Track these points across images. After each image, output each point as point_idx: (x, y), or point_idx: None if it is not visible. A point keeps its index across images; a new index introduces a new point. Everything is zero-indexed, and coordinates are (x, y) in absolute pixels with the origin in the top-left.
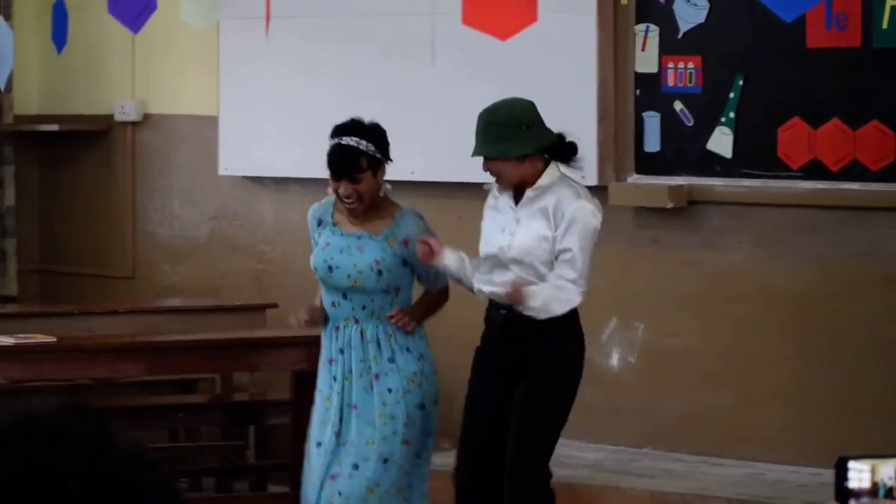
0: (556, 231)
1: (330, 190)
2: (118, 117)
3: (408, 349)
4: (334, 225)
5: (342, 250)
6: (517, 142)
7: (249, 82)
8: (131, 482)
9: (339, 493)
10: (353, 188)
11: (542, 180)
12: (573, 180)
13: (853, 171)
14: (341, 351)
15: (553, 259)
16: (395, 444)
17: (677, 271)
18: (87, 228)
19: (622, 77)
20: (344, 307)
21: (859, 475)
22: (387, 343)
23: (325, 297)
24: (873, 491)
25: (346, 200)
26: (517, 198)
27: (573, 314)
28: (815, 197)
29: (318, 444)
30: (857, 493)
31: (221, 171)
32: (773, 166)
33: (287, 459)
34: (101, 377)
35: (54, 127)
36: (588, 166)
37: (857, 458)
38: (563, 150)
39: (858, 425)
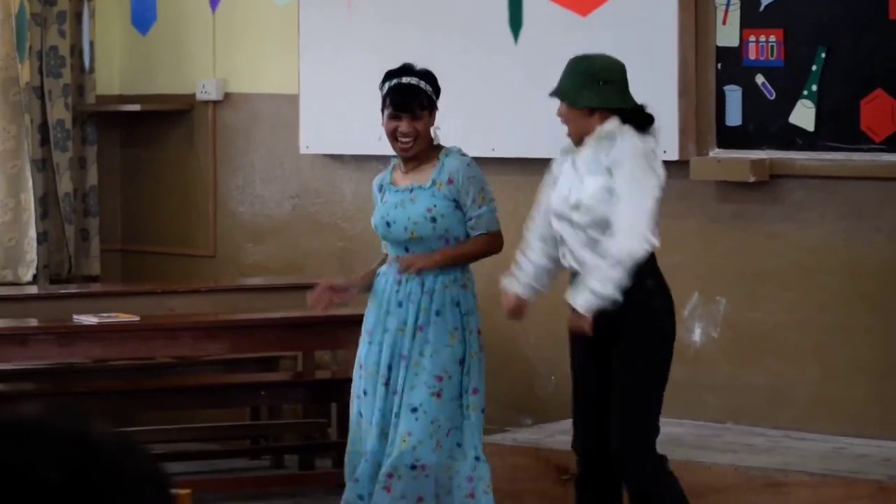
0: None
1: (381, 135)
2: (199, 96)
3: (457, 304)
4: (391, 184)
5: (397, 205)
6: (587, 93)
7: (330, 61)
8: (112, 468)
9: (392, 442)
10: (413, 126)
11: (599, 132)
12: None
13: None
14: (400, 304)
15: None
16: (423, 395)
17: (759, 245)
18: (169, 208)
19: (703, 51)
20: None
21: None
22: (440, 295)
23: (389, 253)
24: None
25: (403, 140)
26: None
27: (650, 269)
28: None
29: (364, 393)
30: None
31: (302, 150)
32: (855, 139)
33: None
34: (184, 356)
35: (136, 107)
36: (669, 141)
37: None
38: (639, 119)
39: None
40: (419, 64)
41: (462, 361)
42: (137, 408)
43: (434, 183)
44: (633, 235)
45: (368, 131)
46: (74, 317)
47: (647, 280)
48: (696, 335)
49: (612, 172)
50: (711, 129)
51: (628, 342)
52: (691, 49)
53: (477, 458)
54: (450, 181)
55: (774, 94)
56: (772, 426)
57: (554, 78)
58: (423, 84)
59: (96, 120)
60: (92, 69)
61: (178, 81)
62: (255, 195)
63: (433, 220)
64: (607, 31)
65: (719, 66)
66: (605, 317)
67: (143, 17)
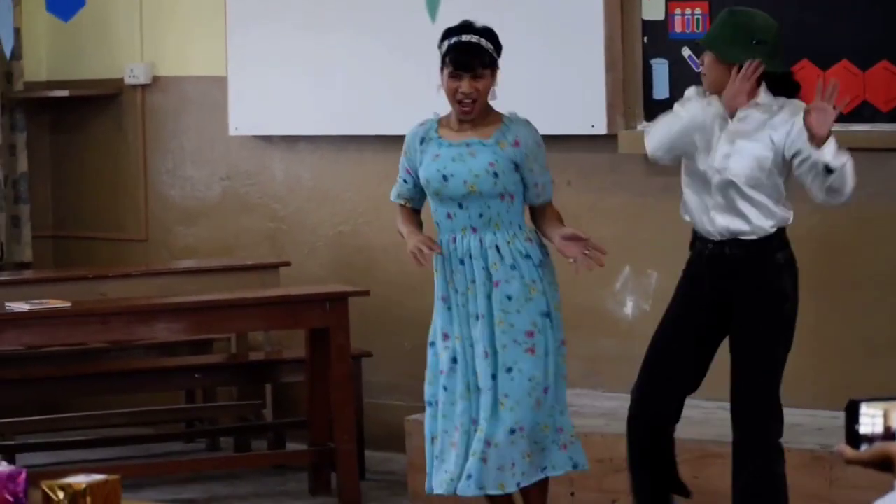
0: (787, 140)
1: (437, 112)
2: (128, 80)
3: (528, 255)
4: (440, 138)
5: (454, 158)
6: (738, 49)
7: (257, 42)
8: None
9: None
10: (474, 85)
11: (764, 97)
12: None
13: (863, 112)
14: (461, 262)
15: (778, 178)
16: (517, 353)
17: None
18: (100, 193)
19: (629, 25)
20: (460, 217)
21: (872, 420)
22: (507, 249)
23: (438, 211)
24: (887, 436)
25: (464, 100)
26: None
27: (784, 238)
28: None
29: (455, 361)
30: (870, 439)
31: (232, 131)
32: None
33: (304, 416)
34: (116, 340)
35: (64, 93)
36: (597, 115)
37: (868, 400)
38: (786, 85)
39: (876, 368)
40: (353, 45)
41: (547, 314)
42: (71, 394)
43: (497, 142)
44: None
45: (297, 112)
46: (6, 304)
47: (777, 254)
48: (629, 308)
49: (789, 132)
50: (639, 103)
51: (753, 326)
52: (617, 23)
53: (561, 412)
54: (516, 143)
55: (701, 67)
56: (705, 398)
57: None
58: (483, 42)
59: (25, 107)
60: (19, 56)
61: (106, 66)
62: (186, 178)
63: (495, 174)
64: (532, 7)
65: (645, 39)
66: (719, 286)
67: (66, 3)
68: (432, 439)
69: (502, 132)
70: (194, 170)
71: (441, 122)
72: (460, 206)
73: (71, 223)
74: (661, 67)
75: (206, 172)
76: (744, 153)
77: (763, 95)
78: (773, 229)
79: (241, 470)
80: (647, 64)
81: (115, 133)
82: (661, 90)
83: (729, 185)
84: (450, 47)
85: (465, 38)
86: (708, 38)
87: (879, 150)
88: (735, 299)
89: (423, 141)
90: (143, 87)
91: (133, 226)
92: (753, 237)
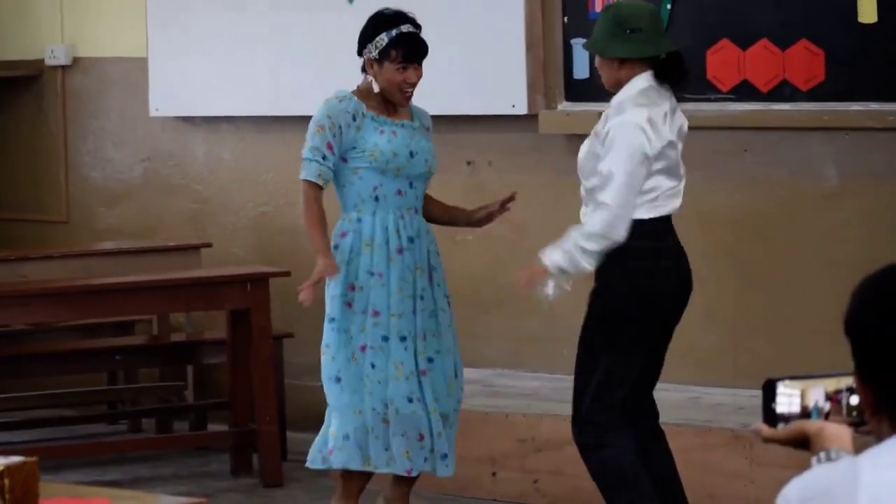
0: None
1: (357, 88)
2: (48, 62)
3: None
4: (377, 116)
5: (412, 137)
6: (614, 43)
7: (178, 22)
8: None
9: (431, 387)
10: (417, 74)
11: (622, 92)
12: (666, 94)
13: (784, 91)
14: (411, 240)
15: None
16: (451, 337)
17: None
18: (21, 174)
19: (549, 4)
20: (409, 196)
21: (789, 399)
22: (431, 235)
23: (384, 186)
24: (803, 415)
25: (408, 89)
26: None
27: (628, 249)
28: (746, 118)
29: (385, 339)
30: (787, 418)
31: (153, 113)
32: (703, 89)
33: (226, 398)
34: (38, 322)
35: None
36: (518, 95)
37: (785, 379)
38: (670, 70)
39: (797, 347)
40: (273, 26)
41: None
42: None
43: (420, 125)
44: (604, 214)
45: (218, 93)
46: None
47: (618, 262)
48: (549, 289)
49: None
50: (559, 83)
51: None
52: (538, 2)
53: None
54: (428, 129)
55: None
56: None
57: None
58: (421, 32)
59: None
60: None
61: (26, 47)
62: (107, 159)
63: (435, 158)
64: None
65: (566, 19)
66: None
67: None
68: (353, 410)
69: (417, 117)
70: (115, 151)
71: (366, 103)
72: (411, 185)
73: None
74: (581, 46)
75: (127, 154)
76: (582, 147)
77: (623, 90)
78: (593, 264)
79: (163, 451)
80: (567, 43)
81: (35, 114)
82: (581, 70)
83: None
84: (397, 39)
85: (405, 28)
86: (589, 41)
87: (800, 129)
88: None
89: (354, 118)
90: (64, 68)
91: (54, 207)
92: (576, 276)
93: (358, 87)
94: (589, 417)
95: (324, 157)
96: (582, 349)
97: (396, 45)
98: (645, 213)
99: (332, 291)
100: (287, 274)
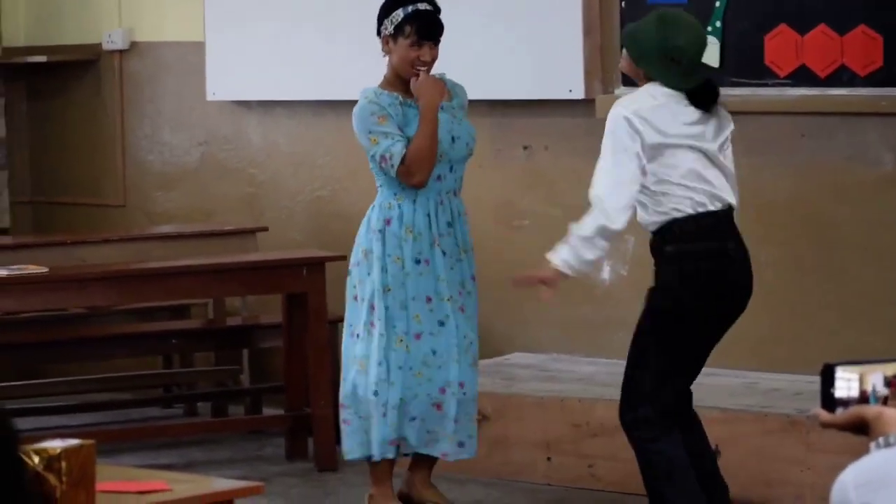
0: None
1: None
2: (106, 46)
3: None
4: (412, 105)
5: (452, 121)
6: (650, 60)
7: (235, 6)
8: None
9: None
10: (433, 54)
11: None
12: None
13: (841, 76)
14: (449, 224)
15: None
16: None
17: None
18: (78, 158)
19: None
20: (448, 180)
21: (847, 384)
22: (466, 217)
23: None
24: (862, 399)
25: (421, 68)
26: None
27: (675, 233)
28: (803, 104)
29: (441, 324)
30: (846, 402)
31: (209, 97)
32: (760, 74)
33: (281, 382)
34: (94, 306)
35: (42, 58)
36: (575, 80)
37: (843, 363)
38: (698, 94)
39: (853, 332)
40: (330, 11)
41: (473, 278)
42: (49, 359)
43: (458, 104)
44: (599, 204)
45: (274, 77)
46: None
47: (666, 247)
48: (606, 273)
49: None
50: (616, 68)
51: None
52: None
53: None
54: (463, 107)
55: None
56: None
57: (459, 25)
58: (435, 7)
59: (3, 72)
60: None
61: (84, 31)
62: (164, 143)
63: (474, 139)
64: None
65: (623, 4)
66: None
67: None
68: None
69: (454, 94)
70: (172, 135)
71: (395, 90)
72: (451, 168)
73: (49, 189)
74: (621, 33)
75: (183, 138)
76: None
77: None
78: (659, 223)
79: (218, 435)
80: (624, 28)
81: (92, 99)
82: None
83: None
84: (413, 16)
85: (421, 6)
86: (629, 34)
87: (857, 114)
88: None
89: (400, 105)
90: (121, 52)
91: (111, 191)
92: (649, 229)
93: (385, 77)
94: (644, 415)
95: (399, 139)
96: (634, 346)
97: (411, 21)
98: (677, 213)
99: (395, 277)
100: (343, 258)
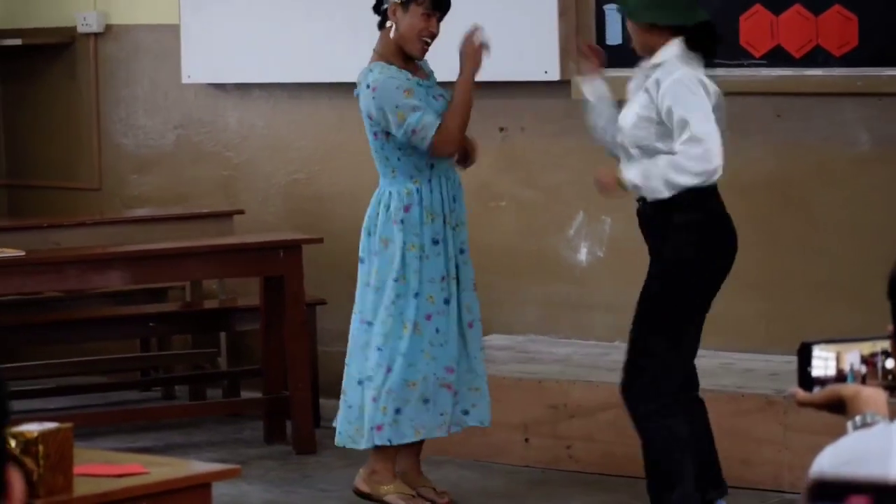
0: (659, 109)
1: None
2: (80, 29)
3: None
4: (421, 81)
5: (443, 97)
6: (646, 8)
7: None
8: None
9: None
10: (439, 27)
11: (657, 56)
12: (697, 64)
13: (816, 57)
14: (454, 199)
15: (665, 144)
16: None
17: None
18: (53, 141)
19: None
20: (448, 157)
21: (824, 363)
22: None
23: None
24: (839, 378)
25: (428, 40)
26: None
27: (693, 199)
28: (779, 84)
29: (446, 302)
30: (823, 381)
31: (185, 80)
32: (736, 55)
33: (259, 364)
34: (71, 289)
35: (17, 41)
36: (550, 61)
37: (821, 342)
38: (701, 39)
39: (830, 311)
40: None
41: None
42: (26, 343)
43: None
44: (694, 149)
45: (250, 59)
46: None
47: (674, 215)
48: (582, 255)
49: (658, 101)
50: None
51: (646, 283)
52: None
53: None
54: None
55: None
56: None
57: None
58: None
59: None
60: None
61: (59, 14)
62: (139, 127)
63: None
64: None
65: None
66: (651, 238)
67: None
68: (407, 384)
69: (430, 72)
70: (147, 118)
71: (395, 64)
72: None
73: (24, 172)
74: (613, 12)
75: (159, 121)
76: (628, 112)
77: (661, 54)
78: (670, 193)
79: (196, 418)
80: (600, 9)
81: (67, 82)
82: (614, 35)
83: (623, 145)
84: None
85: None
86: (623, 5)
87: (833, 94)
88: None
89: (409, 80)
90: (96, 35)
91: (86, 175)
92: (649, 197)
93: (378, 52)
94: (663, 386)
95: (424, 110)
96: (641, 319)
97: None
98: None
99: (413, 266)
100: (320, 241)
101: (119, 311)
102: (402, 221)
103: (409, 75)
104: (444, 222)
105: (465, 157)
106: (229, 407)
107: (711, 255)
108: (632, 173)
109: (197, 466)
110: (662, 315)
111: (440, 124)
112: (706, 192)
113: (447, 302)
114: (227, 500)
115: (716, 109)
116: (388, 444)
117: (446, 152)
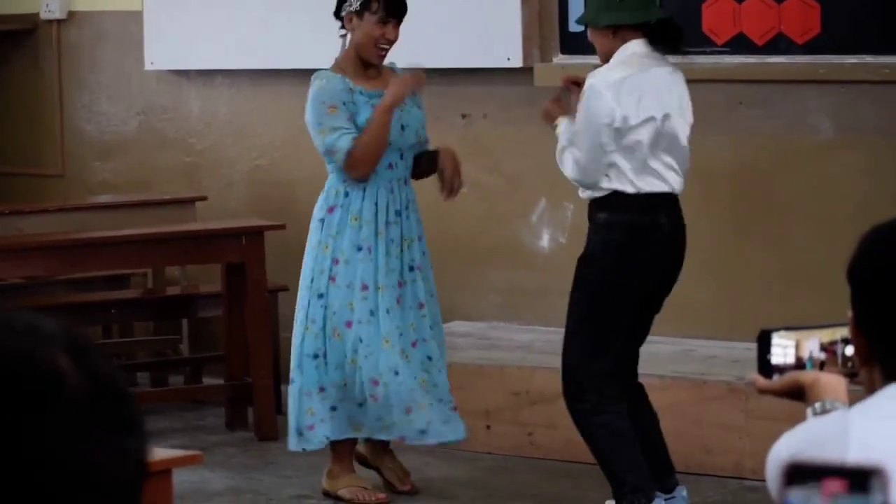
0: None
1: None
2: (44, 15)
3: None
4: (363, 89)
5: (401, 108)
6: (604, 13)
7: None
8: (34, 357)
9: (429, 358)
10: (396, 32)
11: (613, 58)
12: (659, 59)
13: (779, 44)
14: (398, 213)
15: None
16: (436, 309)
17: None
18: (16, 128)
19: None
20: (399, 168)
21: (783, 350)
22: (416, 205)
23: (380, 161)
24: (798, 366)
25: (384, 46)
26: None
27: (621, 202)
28: (741, 72)
29: (372, 314)
30: (782, 369)
31: (147, 66)
32: (698, 42)
33: (221, 351)
34: (33, 276)
35: None
36: (513, 48)
37: (780, 329)
38: (662, 34)
39: (793, 299)
40: None
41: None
42: None
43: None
44: (568, 158)
45: (213, 46)
46: None
47: (598, 215)
48: (545, 241)
49: None
50: (555, 35)
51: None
52: None
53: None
54: (414, 93)
55: None
56: None
57: None
58: None
59: None
60: None
61: (22, 1)
62: (102, 113)
63: (424, 126)
64: None
65: None
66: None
67: None
68: (320, 389)
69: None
70: (110, 105)
71: (346, 74)
72: (401, 156)
73: None
74: (575, 22)
75: (122, 107)
76: (563, 120)
77: (616, 55)
78: (596, 193)
79: (158, 405)
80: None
81: (30, 68)
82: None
83: None
84: None
85: None
86: (581, 15)
87: (795, 82)
88: None
89: (349, 94)
90: (59, 21)
91: (50, 161)
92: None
93: (336, 60)
94: (586, 385)
95: (347, 129)
96: (570, 316)
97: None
98: (629, 187)
99: (319, 266)
100: (282, 227)
101: (81, 297)
102: (321, 220)
103: (352, 86)
104: (376, 232)
105: (444, 181)
106: (191, 393)
107: (627, 258)
108: (562, 131)
109: (158, 453)
110: (577, 314)
111: (349, 149)
112: (641, 198)
113: (373, 313)
114: (189, 487)
115: (649, 122)
116: (325, 441)
117: (356, 175)
